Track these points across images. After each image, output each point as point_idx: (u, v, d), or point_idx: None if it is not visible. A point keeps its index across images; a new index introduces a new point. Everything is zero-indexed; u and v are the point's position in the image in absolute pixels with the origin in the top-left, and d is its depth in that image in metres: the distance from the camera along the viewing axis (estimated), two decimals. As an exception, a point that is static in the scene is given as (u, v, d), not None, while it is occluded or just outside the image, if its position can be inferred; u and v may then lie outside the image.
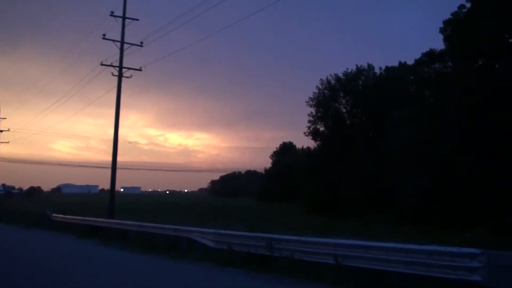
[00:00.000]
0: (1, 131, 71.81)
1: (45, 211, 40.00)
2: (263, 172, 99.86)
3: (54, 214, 37.56)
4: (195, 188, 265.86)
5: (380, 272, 10.28)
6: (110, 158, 32.97)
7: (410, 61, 41.05)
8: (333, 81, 49.97)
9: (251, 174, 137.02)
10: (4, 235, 29.34)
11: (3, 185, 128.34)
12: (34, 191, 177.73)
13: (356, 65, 50.26)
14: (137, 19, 33.55)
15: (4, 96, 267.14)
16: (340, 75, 50.13)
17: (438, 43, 40.86)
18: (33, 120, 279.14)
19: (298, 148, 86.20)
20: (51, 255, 18.08)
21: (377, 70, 49.87)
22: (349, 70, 50.16)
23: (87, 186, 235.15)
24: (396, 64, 48.35)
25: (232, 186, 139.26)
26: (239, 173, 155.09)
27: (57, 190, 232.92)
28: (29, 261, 15.94)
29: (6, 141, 74.96)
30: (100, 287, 11.15)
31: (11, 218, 44.10)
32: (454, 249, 9.33)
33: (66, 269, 13.96)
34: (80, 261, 15.99)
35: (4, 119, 72.24)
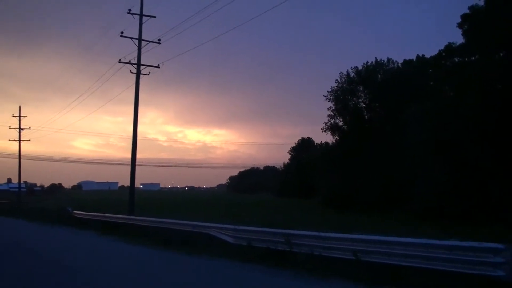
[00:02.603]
0: (22, 129, 72.75)
1: (67, 208, 40.54)
2: (282, 168, 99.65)
3: (75, 211, 38.02)
4: (213, 184, 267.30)
5: (400, 267, 10.19)
6: (129, 155, 33.28)
7: (428, 55, 40.79)
8: (352, 74, 49.66)
9: (269, 170, 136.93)
10: (26, 232, 29.71)
11: (25, 182, 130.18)
12: (55, 188, 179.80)
13: (376, 58, 49.97)
14: (155, 16, 33.79)
15: (24, 94, 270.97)
16: (360, 68, 49.86)
17: (456, 37, 40.28)
18: (53, 118, 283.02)
19: (317, 144, 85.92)
20: (72, 251, 18.27)
21: (395, 64, 49.55)
22: (368, 63, 49.89)
23: (107, 183, 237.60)
24: (414, 57, 47.95)
25: (250, 182, 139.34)
26: (258, 169, 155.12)
27: (78, 187, 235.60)
28: (51, 258, 16.12)
29: (27, 139, 76.05)
30: (121, 284, 11.21)
31: (33, 215, 44.66)
32: (476, 244, 9.20)
33: (87, 266, 14.08)
34: (100, 258, 16.12)
35: (25, 117, 73.25)
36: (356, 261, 11.08)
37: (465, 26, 32.53)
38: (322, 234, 12.92)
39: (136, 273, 12.59)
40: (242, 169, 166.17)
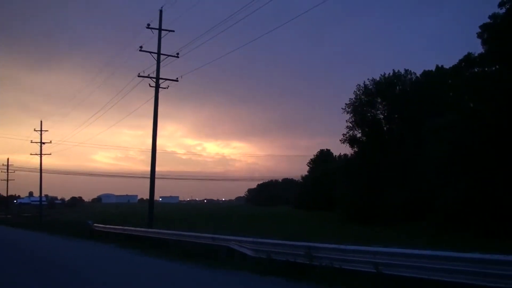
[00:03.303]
0: (44, 143, 73.72)
1: (87, 221, 40.77)
2: (300, 180, 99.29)
3: (95, 224, 38.24)
4: (232, 196, 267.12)
5: (422, 281, 10.03)
6: (149, 168, 33.43)
7: (447, 65, 40.51)
8: (370, 86, 49.44)
9: (288, 182, 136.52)
10: (48, 246, 29.95)
11: (46, 196, 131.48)
12: (76, 202, 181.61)
13: (393, 70, 49.75)
14: (173, 31, 34.04)
15: (45, 109, 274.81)
16: (378, 79, 49.66)
17: (476, 47, 39.95)
18: (74, 132, 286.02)
19: (335, 156, 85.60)
20: (94, 264, 18.35)
21: (412, 75, 49.30)
22: (385, 75, 49.68)
23: (127, 196, 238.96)
24: (433, 68, 47.63)
25: (269, 194, 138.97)
26: (276, 181, 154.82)
27: (98, 200, 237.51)
28: (72, 270, 16.21)
29: (48, 152, 76.89)
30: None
31: (54, 228, 45.03)
32: (501, 257, 9.01)
33: (108, 278, 14.13)
34: (120, 271, 16.17)
35: (46, 132, 74.24)
36: (377, 274, 10.94)
37: (485, 35, 32.25)
38: (342, 246, 12.80)
39: (160, 286, 12.61)
40: (261, 182, 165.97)
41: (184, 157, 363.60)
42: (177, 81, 34.29)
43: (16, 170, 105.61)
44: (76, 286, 12.94)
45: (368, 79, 50.13)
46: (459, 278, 9.40)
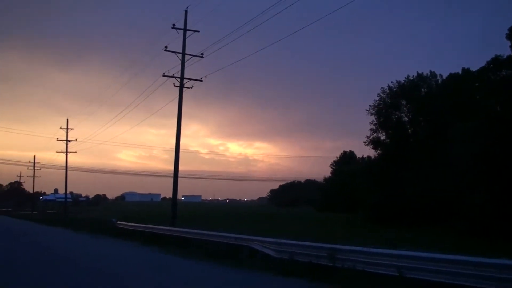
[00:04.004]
0: (69, 141, 74.93)
1: (111, 219, 41.30)
2: (323, 182, 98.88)
3: (119, 222, 38.70)
4: (254, 197, 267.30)
5: (447, 286, 9.95)
6: (172, 167, 33.74)
7: (474, 68, 39.92)
8: (394, 88, 49.00)
9: (310, 184, 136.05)
10: (72, 243, 30.40)
11: (71, 193, 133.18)
12: (100, 199, 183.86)
13: (417, 72, 49.19)
14: (198, 31, 34.28)
15: (71, 107, 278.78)
16: (402, 81, 49.16)
17: (503, 49, 39.27)
18: (99, 131, 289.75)
19: (359, 158, 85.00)
20: (117, 262, 18.58)
21: (438, 78, 48.70)
22: (410, 77, 49.17)
23: (150, 194, 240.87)
24: (459, 70, 46.97)
25: (291, 195, 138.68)
26: (299, 182, 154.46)
27: (121, 198, 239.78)
28: (96, 269, 16.44)
29: (74, 150, 78.06)
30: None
31: (79, 225, 45.64)
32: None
33: (131, 276, 14.31)
34: (143, 269, 16.35)
35: (72, 130, 75.45)
36: (400, 278, 10.89)
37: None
38: (366, 249, 12.76)
39: (178, 286, 12.73)
40: (283, 182, 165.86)
41: (207, 156, 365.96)
42: (201, 81, 34.58)
43: (42, 167, 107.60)
44: (92, 281, 13.15)
45: (391, 82, 49.71)
46: (484, 284, 9.31)
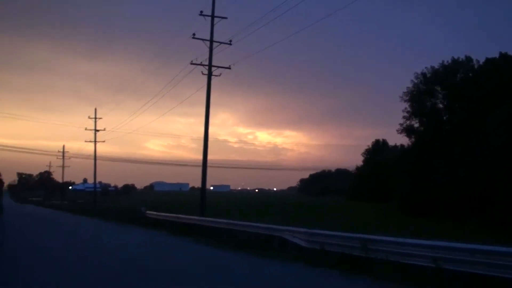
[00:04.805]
0: (98, 130, 76.06)
1: (140, 208, 41.84)
2: (354, 171, 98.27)
3: (148, 211, 39.18)
4: (284, 186, 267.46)
5: (485, 278, 9.82)
6: (200, 156, 33.95)
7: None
8: (428, 74, 48.23)
9: (341, 173, 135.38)
10: (101, 232, 30.94)
11: (100, 182, 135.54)
12: (129, 189, 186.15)
13: (452, 57, 48.25)
14: (226, 17, 34.21)
15: (99, 97, 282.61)
16: (436, 67, 48.33)
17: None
18: (127, 120, 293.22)
19: (391, 146, 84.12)
20: (148, 252, 18.87)
21: (474, 63, 47.69)
22: (445, 62, 48.28)
23: (178, 184, 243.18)
24: (496, 55, 45.93)
25: (322, 184, 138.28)
26: (329, 171, 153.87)
27: (150, 188, 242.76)
28: (129, 259, 16.73)
29: (102, 140, 79.19)
30: (197, 286, 11.47)
31: (108, 215, 46.38)
32: None
33: (163, 266, 14.51)
34: (174, 259, 16.57)
35: (100, 119, 76.50)
36: (437, 269, 10.77)
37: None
38: (400, 240, 12.66)
39: (212, 276, 12.87)
40: (313, 172, 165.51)
41: (235, 145, 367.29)
42: (230, 68, 34.59)
43: (71, 157, 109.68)
44: (133, 274, 13.38)
45: (426, 67, 48.91)
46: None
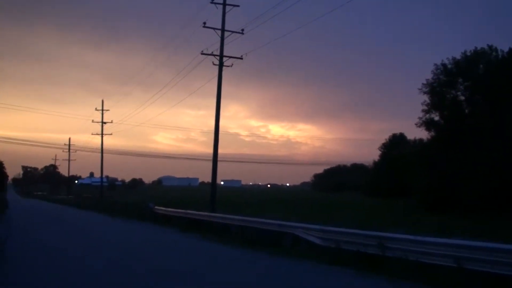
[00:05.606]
0: (105, 122, 76.30)
1: (148, 204, 41.93)
2: (371, 166, 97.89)
3: (156, 207, 39.25)
4: (297, 181, 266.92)
5: (508, 278, 9.68)
6: (210, 150, 33.93)
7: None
8: (449, 65, 47.75)
9: (357, 168, 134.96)
10: (108, 227, 31.08)
11: (107, 177, 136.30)
12: (136, 183, 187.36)
13: (475, 47, 47.71)
14: (238, 6, 33.98)
15: (106, 88, 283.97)
16: (458, 58, 47.81)
17: None
18: (135, 112, 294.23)
19: (410, 140, 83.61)
20: (157, 250, 18.91)
21: (498, 53, 47.11)
22: (467, 53, 47.75)
23: (187, 178, 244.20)
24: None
25: (336, 180, 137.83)
26: (344, 166, 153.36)
27: (158, 182, 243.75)
28: (138, 257, 16.78)
29: (109, 132, 79.37)
30: (207, 285, 11.46)
31: (115, 210, 46.54)
32: None
33: (170, 263, 14.53)
34: (185, 257, 16.60)
35: (107, 111, 76.70)
36: (458, 269, 10.64)
37: None
38: (419, 238, 12.51)
39: (222, 276, 12.84)
40: (328, 167, 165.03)
41: (247, 139, 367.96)
42: (242, 59, 34.45)
43: (78, 150, 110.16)
44: (133, 268, 13.40)
45: (447, 58, 48.40)
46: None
